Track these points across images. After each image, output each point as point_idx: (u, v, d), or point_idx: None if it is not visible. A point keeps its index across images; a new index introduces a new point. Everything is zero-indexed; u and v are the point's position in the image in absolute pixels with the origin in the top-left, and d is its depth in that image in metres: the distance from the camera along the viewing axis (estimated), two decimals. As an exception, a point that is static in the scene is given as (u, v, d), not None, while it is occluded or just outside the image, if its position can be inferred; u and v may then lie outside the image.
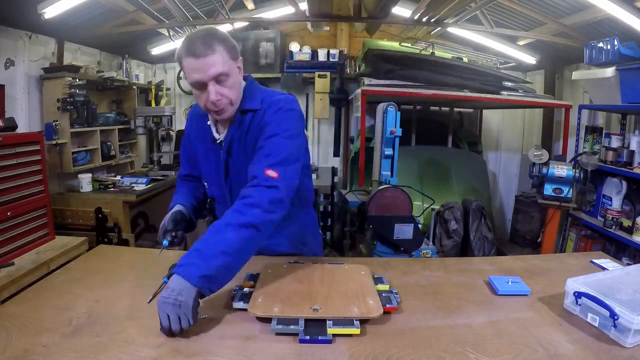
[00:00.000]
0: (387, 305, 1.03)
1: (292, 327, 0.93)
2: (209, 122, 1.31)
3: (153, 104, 4.04)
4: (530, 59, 3.89)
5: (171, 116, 3.59)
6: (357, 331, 0.93)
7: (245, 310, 0.99)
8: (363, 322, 0.97)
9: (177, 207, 1.33)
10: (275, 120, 1.19)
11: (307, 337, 0.91)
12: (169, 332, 0.91)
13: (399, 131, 2.32)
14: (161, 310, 0.91)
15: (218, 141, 1.29)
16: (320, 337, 0.91)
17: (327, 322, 0.95)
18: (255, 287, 1.09)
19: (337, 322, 0.95)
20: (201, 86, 1.12)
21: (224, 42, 1.11)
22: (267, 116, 1.21)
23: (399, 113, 2.32)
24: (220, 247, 0.98)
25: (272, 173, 1.10)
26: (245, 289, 1.10)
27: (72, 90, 2.91)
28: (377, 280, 1.18)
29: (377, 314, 0.97)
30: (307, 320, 0.95)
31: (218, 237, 1.00)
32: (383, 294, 1.08)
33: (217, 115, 1.21)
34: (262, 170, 1.11)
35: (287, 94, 1.29)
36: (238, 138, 1.25)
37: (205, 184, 1.43)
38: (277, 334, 0.93)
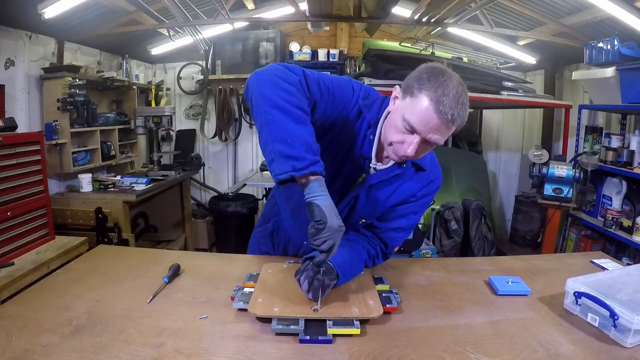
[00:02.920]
0: (387, 305, 1.03)
1: (292, 327, 0.93)
2: (372, 137, 1.11)
3: (153, 104, 4.03)
4: (530, 59, 3.89)
5: (171, 116, 3.58)
6: (357, 331, 0.93)
7: (245, 310, 0.99)
8: (363, 322, 0.97)
9: (326, 193, 0.92)
10: (427, 201, 1.25)
11: (307, 337, 0.91)
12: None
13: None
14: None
15: (372, 167, 1.14)
16: (320, 337, 0.91)
17: (327, 322, 0.95)
18: (255, 287, 1.09)
19: (337, 322, 0.95)
20: (412, 131, 0.99)
21: (462, 120, 0.99)
22: (425, 190, 1.21)
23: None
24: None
25: (396, 248, 1.30)
26: (245, 289, 1.10)
27: (72, 90, 2.91)
28: (377, 280, 1.18)
29: (377, 314, 0.98)
30: (307, 320, 0.95)
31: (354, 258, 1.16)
32: (383, 294, 1.08)
33: (391, 154, 1.07)
34: (394, 245, 1.29)
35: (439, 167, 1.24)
36: (390, 181, 1.16)
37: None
38: (277, 334, 0.93)
